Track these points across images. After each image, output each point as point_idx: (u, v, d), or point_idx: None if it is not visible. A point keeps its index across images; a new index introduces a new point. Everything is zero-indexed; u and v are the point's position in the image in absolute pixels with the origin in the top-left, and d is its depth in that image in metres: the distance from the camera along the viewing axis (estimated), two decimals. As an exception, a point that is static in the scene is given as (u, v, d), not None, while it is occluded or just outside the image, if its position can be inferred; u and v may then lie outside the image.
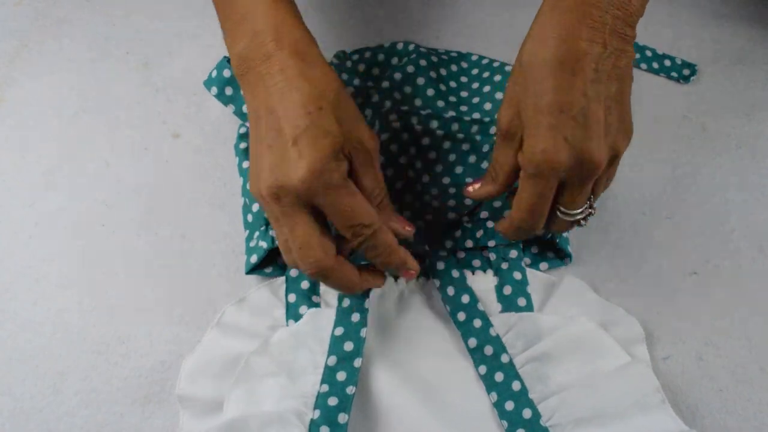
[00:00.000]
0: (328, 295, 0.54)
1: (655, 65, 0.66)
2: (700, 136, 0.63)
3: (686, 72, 0.66)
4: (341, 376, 0.48)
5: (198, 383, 0.50)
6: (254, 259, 0.53)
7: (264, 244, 0.53)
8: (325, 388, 0.48)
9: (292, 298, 0.53)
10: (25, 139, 0.62)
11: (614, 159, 0.45)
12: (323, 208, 0.43)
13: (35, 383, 0.52)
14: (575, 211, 0.46)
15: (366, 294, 0.51)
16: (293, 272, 0.54)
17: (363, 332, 0.50)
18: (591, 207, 0.46)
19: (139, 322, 0.54)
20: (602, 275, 0.56)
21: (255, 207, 0.55)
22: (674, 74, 0.66)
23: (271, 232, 0.53)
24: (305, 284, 0.54)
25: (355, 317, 0.51)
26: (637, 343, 0.52)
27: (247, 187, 0.56)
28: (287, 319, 0.53)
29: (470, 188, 0.49)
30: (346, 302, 0.51)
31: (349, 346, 0.50)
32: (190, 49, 0.67)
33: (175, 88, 0.64)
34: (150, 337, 0.53)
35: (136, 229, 0.58)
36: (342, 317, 0.51)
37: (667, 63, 0.66)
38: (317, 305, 0.53)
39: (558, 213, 0.46)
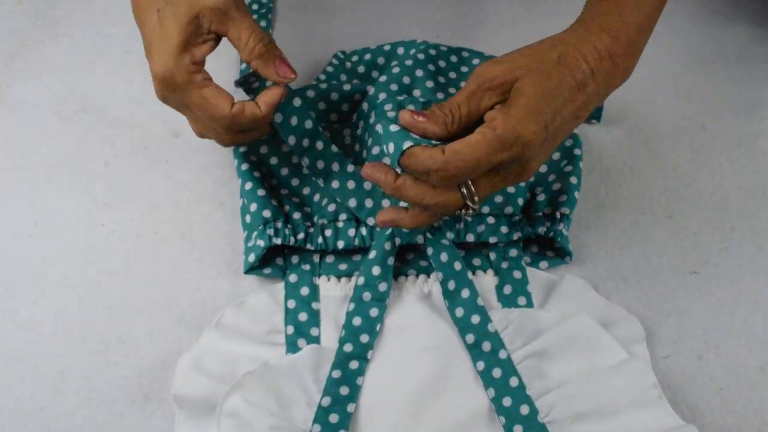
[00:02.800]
0: (328, 300, 0.54)
1: None
2: (700, 135, 0.63)
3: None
4: (333, 418, 0.49)
5: (193, 383, 0.50)
6: (252, 258, 0.53)
7: (261, 243, 0.53)
8: (318, 428, 0.48)
9: (291, 304, 0.53)
10: (25, 139, 0.62)
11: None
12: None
13: (35, 383, 0.52)
14: (478, 198, 0.44)
15: (369, 345, 0.51)
16: (292, 277, 0.54)
17: (359, 380, 0.50)
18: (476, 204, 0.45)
19: (139, 322, 0.54)
20: (602, 274, 0.56)
21: (253, 207, 0.55)
22: None
23: (269, 231, 0.53)
24: (305, 290, 0.54)
25: (354, 365, 0.51)
26: (637, 342, 0.52)
27: (246, 187, 0.56)
28: (285, 324, 0.53)
29: (410, 117, 0.44)
30: (348, 347, 0.51)
31: (344, 390, 0.50)
32: (190, 49, 0.67)
33: (175, 88, 0.64)
34: (150, 336, 0.53)
35: (135, 229, 0.58)
36: (341, 362, 0.51)
37: None
38: (317, 312, 0.53)
39: (463, 188, 0.44)
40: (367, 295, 0.52)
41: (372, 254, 0.53)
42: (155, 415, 0.51)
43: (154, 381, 0.52)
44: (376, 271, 0.53)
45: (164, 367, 0.52)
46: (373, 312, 0.52)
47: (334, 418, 0.49)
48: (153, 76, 0.48)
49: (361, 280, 0.53)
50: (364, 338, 0.51)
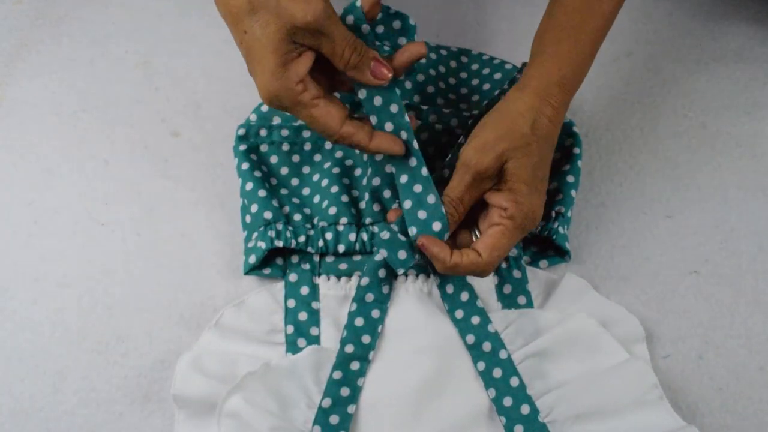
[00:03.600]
0: (327, 299, 0.54)
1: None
2: (700, 134, 0.63)
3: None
4: (334, 419, 0.49)
5: (193, 383, 0.50)
6: (252, 259, 0.53)
7: (262, 245, 0.53)
8: (318, 429, 0.48)
9: (291, 303, 0.53)
10: (24, 138, 0.62)
11: None
12: None
13: (35, 382, 0.52)
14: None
15: (371, 346, 0.51)
16: (292, 277, 0.54)
17: (360, 381, 0.50)
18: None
19: (139, 322, 0.54)
20: (602, 274, 0.56)
21: (254, 208, 0.55)
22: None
23: (270, 233, 0.53)
24: (305, 290, 0.54)
25: (355, 365, 0.51)
26: (637, 341, 0.52)
27: (246, 188, 0.56)
28: (285, 324, 0.53)
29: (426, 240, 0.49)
30: (350, 348, 0.51)
31: (345, 391, 0.50)
32: (190, 49, 0.67)
33: (174, 87, 0.64)
34: (149, 336, 0.53)
35: (135, 228, 0.58)
36: (342, 363, 0.51)
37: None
38: (316, 311, 0.53)
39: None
40: (369, 297, 0.52)
41: (378, 256, 0.53)
42: (155, 415, 0.51)
43: (153, 381, 0.52)
44: (382, 273, 0.53)
45: (164, 367, 0.52)
46: (375, 313, 0.52)
47: (334, 419, 0.49)
48: (260, 95, 0.46)
49: (365, 281, 0.53)
50: (366, 339, 0.51)
